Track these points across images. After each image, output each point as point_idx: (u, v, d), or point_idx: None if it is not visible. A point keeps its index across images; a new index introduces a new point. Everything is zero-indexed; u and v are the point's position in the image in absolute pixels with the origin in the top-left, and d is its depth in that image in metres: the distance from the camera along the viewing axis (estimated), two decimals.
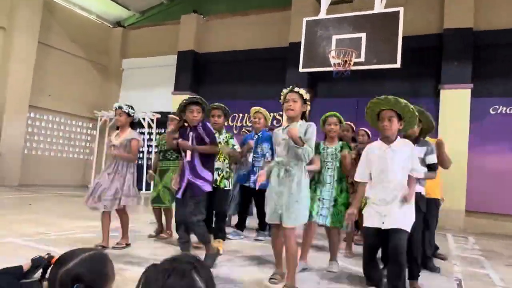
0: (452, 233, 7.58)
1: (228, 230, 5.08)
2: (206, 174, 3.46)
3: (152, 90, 13.15)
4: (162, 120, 10.94)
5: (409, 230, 2.85)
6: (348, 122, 4.96)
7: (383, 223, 2.87)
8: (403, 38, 6.81)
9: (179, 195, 3.47)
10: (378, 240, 2.99)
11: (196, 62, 12.29)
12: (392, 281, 2.83)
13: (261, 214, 5.07)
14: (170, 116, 4.93)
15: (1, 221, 5.23)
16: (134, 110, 4.15)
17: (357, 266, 3.94)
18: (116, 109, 4.08)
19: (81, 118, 13.36)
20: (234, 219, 5.79)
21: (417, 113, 3.02)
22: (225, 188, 4.37)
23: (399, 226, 2.82)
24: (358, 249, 4.99)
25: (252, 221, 6.01)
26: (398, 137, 3.01)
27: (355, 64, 7.01)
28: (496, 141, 8.56)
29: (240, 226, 5.33)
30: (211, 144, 3.53)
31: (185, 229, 3.47)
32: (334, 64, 7.09)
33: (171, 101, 12.03)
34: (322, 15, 7.67)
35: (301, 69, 7.68)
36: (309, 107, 3.22)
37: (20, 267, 2.56)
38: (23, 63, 10.97)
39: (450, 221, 8.39)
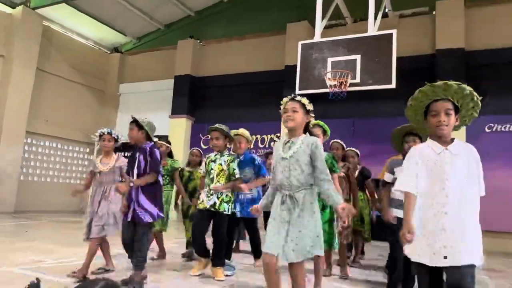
0: None
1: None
2: (148, 206, 3.54)
3: (149, 114, 13.15)
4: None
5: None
6: (338, 140, 4.73)
7: (445, 257, 2.05)
8: (397, 59, 6.94)
9: (127, 218, 3.57)
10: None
11: (193, 86, 12.41)
12: None
13: (254, 241, 4.89)
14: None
15: None
16: (120, 135, 4.18)
17: None
18: (103, 134, 4.03)
19: (78, 143, 13.33)
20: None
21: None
22: (225, 212, 4.07)
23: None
24: (354, 273, 4.94)
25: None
26: (455, 138, 2.25)
27: (351, 85, 7.13)
28: (492, 159, 8.59)
29: (226, 255, 4.70)
30: (151, 172, 3.56)
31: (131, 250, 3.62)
32: (330, 85, 7.21)
33: (168, 125, 12.08)
34: (317, 38, 7.83)
35: (297, 91, 7.76)
36: (312, 119, 2.82)
37: None
38: (21, 90, 11.03)
39: None
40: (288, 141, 2.67)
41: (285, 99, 2.76)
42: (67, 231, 8.00)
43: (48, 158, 12.47)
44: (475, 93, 2.26)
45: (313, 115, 2.78)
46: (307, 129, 2.74)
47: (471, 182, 2.13)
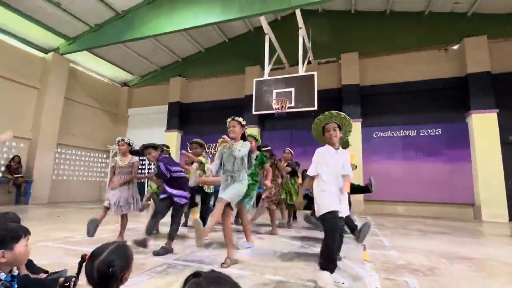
0: (356, 215, 7.88)
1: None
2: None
3: (150, 129, 12.78)
4: None
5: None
6: (289, 149, 5.39)
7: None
8: (318, 91, 7.20)
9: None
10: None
11: (181, 109, 12.16)
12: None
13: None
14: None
15: (35, 230, 4.70)
16: (132, 141, 4.07)
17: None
18: (119, 141, 3.99)
19: (97, 151, 12.56)
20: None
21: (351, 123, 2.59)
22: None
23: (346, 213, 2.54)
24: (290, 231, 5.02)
25: None
26: (340, 147, 2.61)
27: (289, 107, 7.30)
28: (378, 154, 9.18)
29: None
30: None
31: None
32: (275, 108, 7.34)
33: (164, 137, 11.77)
34: (266, 77, 7.98)
35: (253, 112, 7.85)
36: (247, 130, 3.05)
37: (57, 280, 2.19)
38: (53, 114, 10.21)
39: (355, 207, 8.74)
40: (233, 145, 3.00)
41: (229, 119, 3.02)
42: (89, 214, 7.51)
43: (74, 162, 11.63)
44: (347, 117, 2.58)
45: (247, 127, 3.06)
46: (244, 136, 3.03)
47: (343, 170, 2.57)
